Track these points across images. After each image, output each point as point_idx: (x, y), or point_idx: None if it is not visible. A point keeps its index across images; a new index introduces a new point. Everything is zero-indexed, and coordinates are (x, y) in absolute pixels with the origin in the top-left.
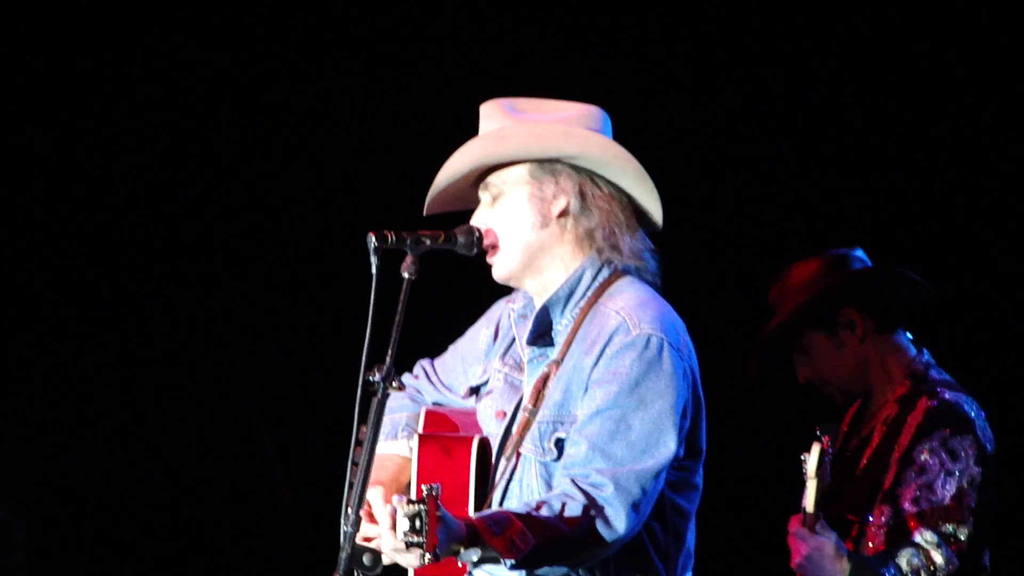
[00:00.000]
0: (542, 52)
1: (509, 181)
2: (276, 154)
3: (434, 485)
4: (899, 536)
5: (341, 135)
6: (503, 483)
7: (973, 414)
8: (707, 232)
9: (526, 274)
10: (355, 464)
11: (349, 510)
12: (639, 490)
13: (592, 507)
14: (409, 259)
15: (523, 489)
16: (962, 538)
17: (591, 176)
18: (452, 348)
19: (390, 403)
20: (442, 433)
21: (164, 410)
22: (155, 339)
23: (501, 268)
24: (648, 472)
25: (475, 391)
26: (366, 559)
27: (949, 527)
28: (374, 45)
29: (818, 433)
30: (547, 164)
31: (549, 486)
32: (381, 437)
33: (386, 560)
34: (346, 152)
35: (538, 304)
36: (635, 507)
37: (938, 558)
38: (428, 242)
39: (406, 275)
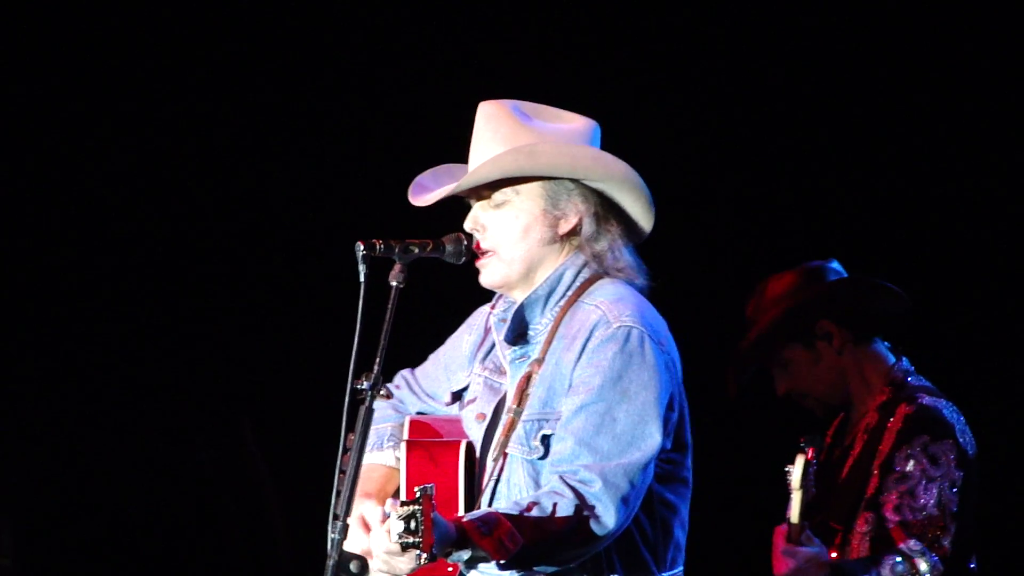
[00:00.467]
0: (527, 57)
1: (522, 192)
2: (264, 163)
3: (428, 485)
4: (883, 544)
5: (329, 144)
6: (491, 484)
7: (952, 418)
8: (690, 240)
9: (518, 284)
10: (343, 472)
11: (336, 517)
12: (627, 484)
13: (581, 504)
14: (397, 267)
15: (511, 489)
16: (946, 545)
17: (601, 197)
18: (433, 357)
19: (375, 413)
20: (428, 439)
21: (153, 417)
22: (144, 348)
23: (494, 275)
24: (635, 465)
25: (457, 397)
26: (353, 566)
27: (933, 533)
28: (361, 54)
29: (802, 445)
30: (563, 181)
31: (537, 484)
32: (366, 448)
33: (373, 568)
34: (334, 161)
35: (517, 303)
36: (624, 501)
37: (922, 565)
38: (416, 250)
39: (394, 283)
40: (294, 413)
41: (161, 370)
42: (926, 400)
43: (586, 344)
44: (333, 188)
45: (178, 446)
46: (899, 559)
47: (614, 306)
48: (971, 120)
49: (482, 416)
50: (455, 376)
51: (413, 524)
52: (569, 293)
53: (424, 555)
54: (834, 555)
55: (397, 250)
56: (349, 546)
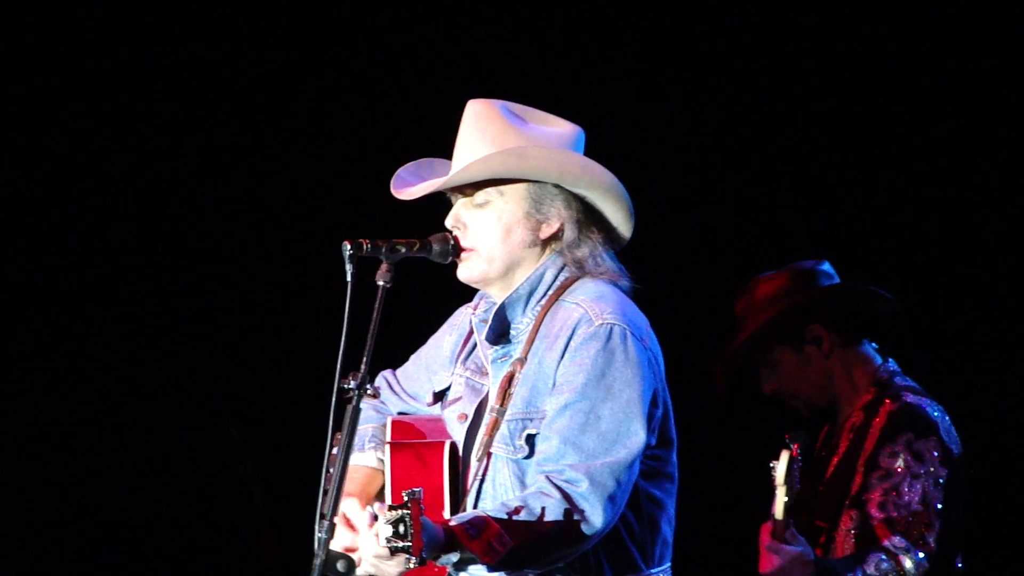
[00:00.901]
0: (512, 56)
1: (506, 193)
2: (251, 163)
3: (416, 489)
4: (868, 542)
5: (316, 144)
6: (476, 484)
7: (937, 416)
8: (675, 238)
9: (496, 282)
10: (329, 471)
11: (323, 516)
12: (614, 483)
13: (569, 504)
14: (384, 267)
15: (496, 488)
16: (931, 542)
17: (583, 203)
18: (414, 357)
19: (362, 406)
20: (412, 441)
21: (141, 416)
22: (132, 347)
23: (473, 271)
24: (621, 463)
25: (439, 397)
26: (340, 565)
27: (917, 530)
28: (347, 52)
29: (787, 441)
30: (547, 185)
31: (523, 484)
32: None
33: (360, 568)
34: (321, 160)
35: (498, 303)
36: (611, 500)
37: (907, 563)
38: (403, 250)
39: (381, 283)
40: (282, 412)
41: (149, 370)
42: (910, 398)
43: (569, 342)
44: (320, 188)
45: (166, 445)
46: (883, 556)
47: (596, 304)
48: (960, 121)
49: (464, 416)
50: (436, 376)
51: (402, 528)
52: (550, 292)
53: (414, 559)
54: (819, 553)
55: (384, 250)
56: (336, 545)
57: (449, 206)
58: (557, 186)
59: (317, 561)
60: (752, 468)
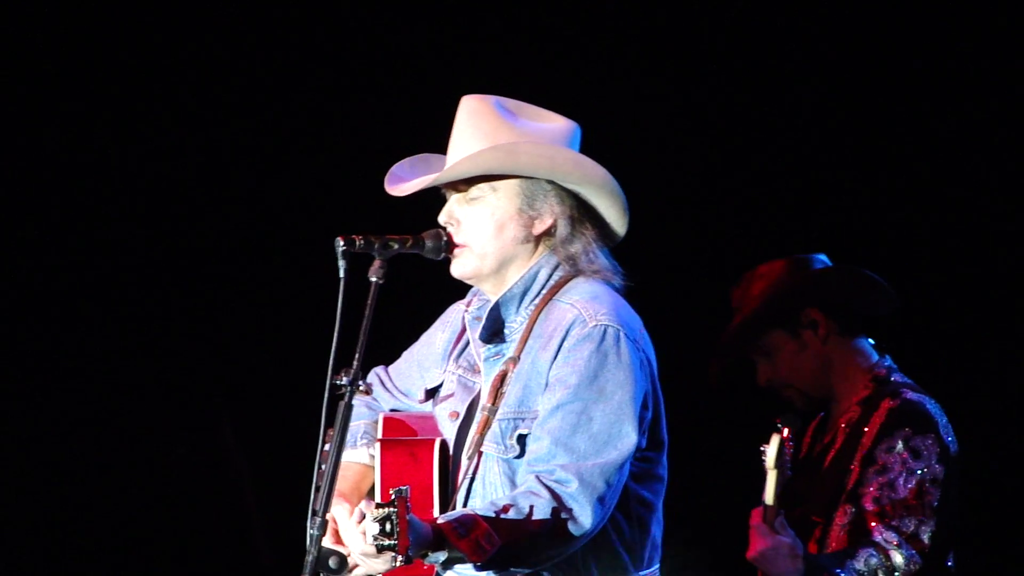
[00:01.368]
0: (507, 51)
1: (499, 189)
2: (243, 159)
3: (402, 487)
4: (859, 535)
5: (309, 140)
6: (466, 483)
7: (936, 414)
8: (667, 237)
9: (489, 278)
10: (322, 467)
11: (315, 513)
12: (603, 484)
13: (557, 504)
14: (377, 263)
15: (486, 487)
16: (924, 539)
17: (577, 199)
18: (406, 354)
19: (354, 402)
20: (403, 437)
21: (133, 413)
22: (124, 344)
23: (466, 266)
24: (612, 465)
25: (431, 394)
26: (332, 562)
27: (911, 526)
28: (341, 48)
29: (778, 424)
30: (540, 181)
31: (513, 483)
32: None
33: (352, 563)
34: (314, 156)
35: (493, 301)
36: (600, 501)
37: (897, 558)
38: (396, 246)
39: (374, 279)
40: (274, 409)
41: (141, 366)
42: (910, 395)
43: (563, 343)
44: (312, 184)
45: (158, 441)
46: (873, 551)
47: (590, 304)
48: (955, 118)
49: (455, 414)
50: (429, 373)
51: (388, 526)
52: (544, 292)
53: (400, 557)
54: (813, 548)
55: (377, 246)
56: (328, 542)
57: (444, 202)
58: (551, 182)
59: (309, 558)
60: (742, 469)
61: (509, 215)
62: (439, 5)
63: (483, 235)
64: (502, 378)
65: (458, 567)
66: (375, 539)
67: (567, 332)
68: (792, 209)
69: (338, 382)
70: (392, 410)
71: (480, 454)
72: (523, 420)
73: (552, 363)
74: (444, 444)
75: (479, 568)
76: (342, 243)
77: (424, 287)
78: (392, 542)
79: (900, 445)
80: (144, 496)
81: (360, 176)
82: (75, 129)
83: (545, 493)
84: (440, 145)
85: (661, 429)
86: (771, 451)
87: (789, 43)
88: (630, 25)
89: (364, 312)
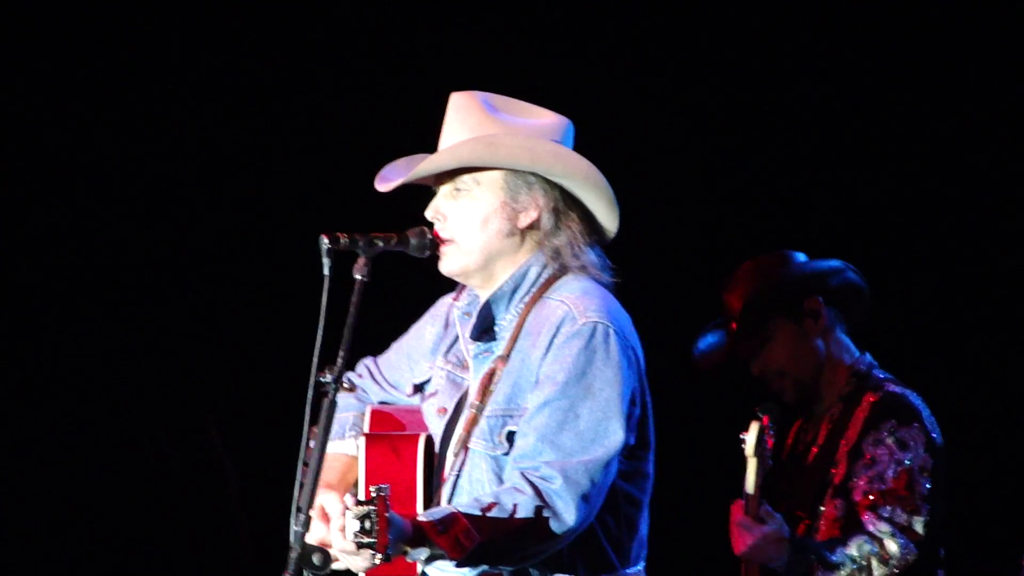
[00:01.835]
0: (501, 48)
1: (483, 183)
2: (227, 157)
3: (383, 486)
4: (851, 527)
5: (295, 137)
6: (452, 479)
7: (919, 406)
8: (658, 229)
9: (477, 274)
10: (305, 464)
11: (299, 510)
12: (588, 482)
13: (541, 501)
14: (361, 261)
15: (472, 484)
16: (918, 529)
17: (563, 192)
18: (395, 346)
19: (338, 400)
20: (388, 432)
21: (117, 411)
22: (108, 342)
23: (453, 264)
24: (597, 462)
25: (419, 389)
26: (316, 559)
27: (903, 515)
28: (328, 47)
29: (757, 413)
30: (524, 174)
31: (500, 479)
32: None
33: (335, 561)
34: (298, 153)
35: (483, 299)
36: (585, 499)
37: (892, 546)
38: (380, 244)
39: (358, 277)
40: (258, 407)
41: (125, 364)
42: (893, 388)
43: (552, 340)
44: (296, 181)
45: (142, 440)
46: (866, 539)
47: (580, 301)
48: (949, 114)
49: (443, 410)
50: (418, 366)
51: (368, 524)
52: (534, 289)
53: (379, 556)
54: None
55: (361, 243)
56: (312, 538)
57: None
58: (536, 175)
59: (293, 555)
60: (726, 466)
61: (493, 208)
62: (434, 2)
63: (468, 229)
64: (491, 376)
65: (439, 564)
66: (355, 536)
67: (557, 329)
68: (779, 207)
69: (322, 380)
70: (381, 402)
71: (467, 450)
72: (512, 417)
73: (542, 360)
74: (430, 440)
75: (458, 565)
76: (326, 241)
77: (409, 285)
78: (371, 540)
79: (886, 437)
80: (128, 494)
81: (346, 174)
82: (61, 123)
83: (529, 490)
84: (431, 145)
85: (649, 426)
86: (750, 439)
87: (782, 35)
88: (620, 21)
89: (349, 310)
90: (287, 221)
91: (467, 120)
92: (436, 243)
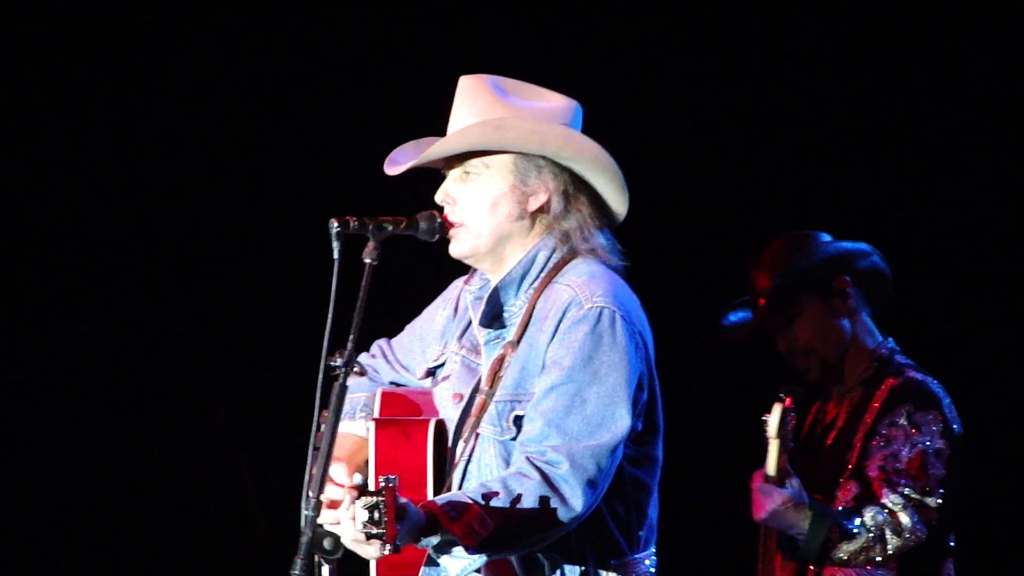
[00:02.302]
0: (510, 31)
1: (492, 166)
2: (236, 141)
3: (391, 476)
4: (866, 501)
5: (302, 121)
6: (462, 464)
7: (940, 393)
8: (668, 213)
9: (487, 257)
10: (316, 449)
11: (310, 494)
12: (595, 466)
13: (547, 485)
14: (371, 244)
15: (482, 469)
16: (931, 505)
17: (572, 175)
18: (409, 328)
19: (349, 383)
20: (398, 417)
21: (128, 399)
22: (117, 329)
23: (463, 247)
24: (604, 447)
25: (431, 373)
26: (327, 543)
27: (914, 492)
28: (336, 32)
29: (780, 395)
30: (533, 157)
31: (508, 464)
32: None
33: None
34: (308, 137)
35: (492, 285)
36: (591, 484)
37: (904, 519)
38: (390, 228)
39: (368, 260)
40: (268, 391)
41: (135, 351)
42: (913, 374)
43: (559, 324)
44: (306, 165)
45: (153, 426)
46: (879, 510)
47: (586, 286)
48: (949, 108)
49: (459, 396)
50: (429, 349)
51: (376, 515)
52: (543, 275)
53: (388, 547)
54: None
55: (371, 227)
56: (323, 521)
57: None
58: (545, 158)
59: (304, 539)
60: (741, 451)
61: (503, 191)
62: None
63: (478, 212)
64: (501, 361)
65: (449, 549)
66: (364, 526)
67: (564, 313)
68: (788, 191)
69: (332, 364)
70: (392, 383)
71: (477, 436)
72: (520, 402)
73: (549, 344)
74: (439, 424)
75: (471, 551)
76: (336, 224)
77: (418, 268)
78: (380, 531)
79: (903, 419)
80: (141, 480)
81: (355, 158)
82: (60, 117)
83: (535, 474)
84: (441, 129)
85: (657, 411)
86: (773, 420)
87: (790, 25)
88: (629, 9)
89: (358, 293)
90: (297, 205)
91: (476, 103)
92: (445, 227)
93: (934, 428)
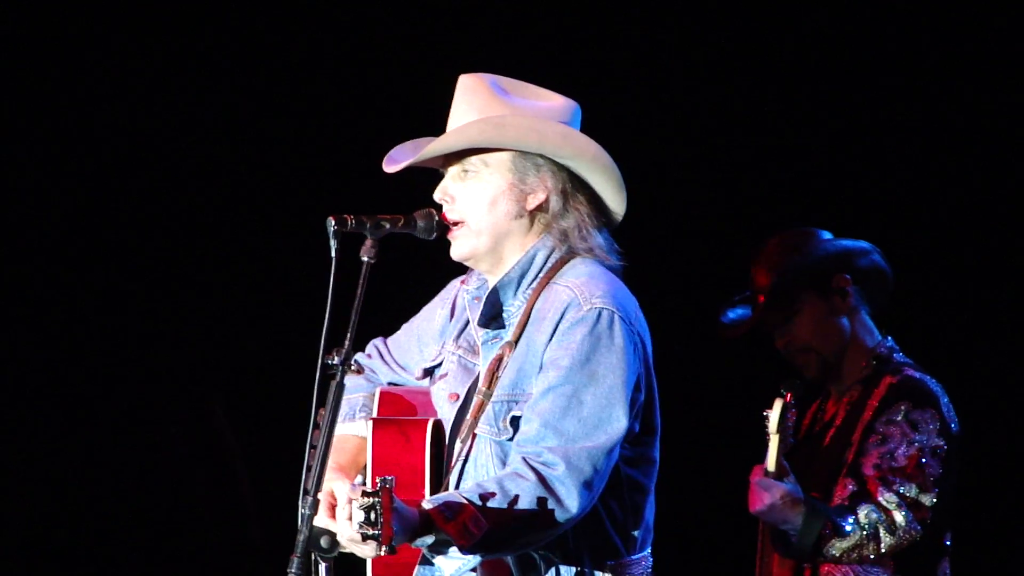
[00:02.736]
0: (509, 30)
1: (491, 164)
2: (233, 138)
3: (388, 477)
4: (862, 498)
5: (300, 120)
6: (459, 465)
7: (937, 392)
8: (665, 214)
9: (486, 257)
10: (313, 447)
11: (307, 493)
12: (591, 468)
13: (543, 487)
14: (368, 243)
15: (478, 469)
16: (926, 504)
17: (571, 175)
18: (406, 327)
19: (347, 384)
20: (396, 416)
21: (124, 396)
22: (114, 327)
23: (462, 247)
24: (600, 449)
25: (429, 372)
26: (323, 541)
27: (911, 490)
28: (333, 28)
29: (781, 390)
30: (532, 156)
31: (505, 466)
32: (339, 419)
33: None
34: (306, 137)
35: (491, 285)
36: (587, 485)
37: (899, 517)
38: (387, 226)
39: (365, 259)
40: (265, 389)
41: (132, 349)
42: (912, 372)
43: (558, 325)
44: (304, 163)
45: (150, 424)
46: (874, 508)
47: (586, 286)
48: (945, 104)
49: (455, 396)
50: (427, 349)
51: (373, 516)
52: (541, 275)
53: (384, 547)
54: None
55: (368, 225)
56: (319, 522)
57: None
58: (544, 157)
59: (300, 537)
60: (733, 453)
61: (501, 190)
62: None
63: (476, 210)
64: (498, 362)
65: (444, 550)
66: (360, 527)
67: (562, 315)
68: (789, 188)
69: (329, 362)
70: (390, 383)
71: (474, 436)
72: (517, 402)
73: (547, 345)
74: (437, 424)
75: (465, 551)
76: (334, 223)
77: (416, 266)
78: (376, 532)
79: (899, 417)
80: (138, 479)
81: (352, 156)
82: (60, 116)
83: (531, 475)
84: (440, 128)
85: (654, 412)
86: (774, 416)
87: (788, 22)
88: (627, 8)
89: (356, 292)
90: (295, 203)
91: (475, 102)
92: (443, 225)
93: (931, 427)
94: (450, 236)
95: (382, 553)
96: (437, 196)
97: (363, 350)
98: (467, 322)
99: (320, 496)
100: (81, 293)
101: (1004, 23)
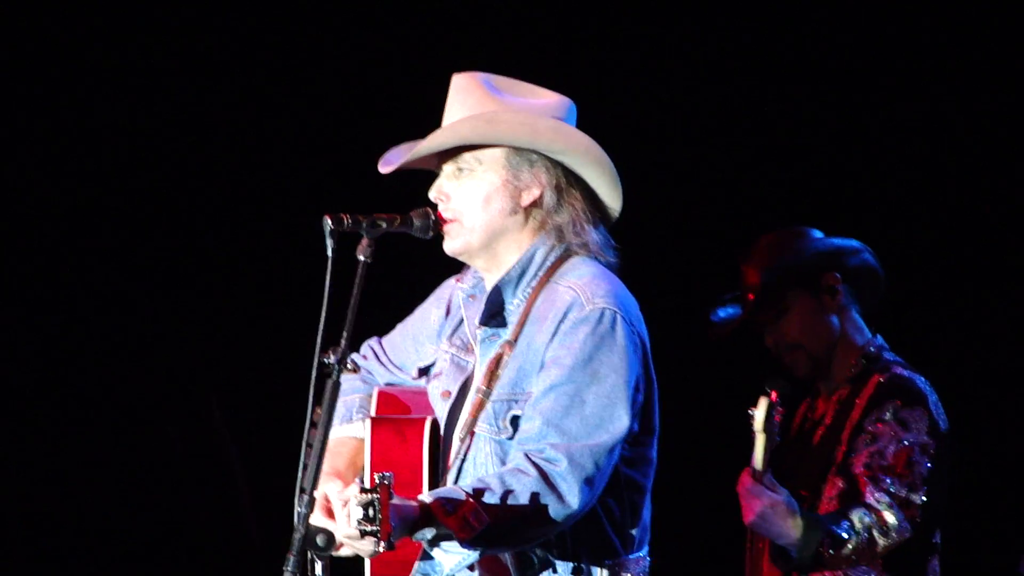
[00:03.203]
0: (503, 28)
1: (485, 161)
2: (229, 137)
3: (387, 474)
4: (851, 499)
5: (297, 118)
6: (457, 463)
7: (926, 390)
8: (661, 212)
9: (481, 254)
10: (309, 445)
11: (303, 491)
12: (593, 465)
13: (545, 482)
14: (364, 242)
15: (477, 468)
16: (915, 502)
17: (565, 170)
18: (400, 327)
19: (343, 385)
20: (394, 416)
21: (121, 393)
22: (111, 324)
23: (456, 243)
24: (602, 447)
25: (425, 372)
26: (320, 540)
27: (901, 489)
28: (328, 28)
29: (767, 388)
30: (526, 152)
31: (504, 465)
32: (336, 421)
33: (339, 542)
34: (302, 135)
35: (488, 284)
36: (588, 482)
37: (890, 518)
38: (384, 225)
39: (361, 258)
40: (262, 388)
41: (128, 346)
42: (900, 371)
43: (560, 325)
44: (300, 163)
45: (146, 421)
46: (865, 511)
47: (588, 287)
48: (939, 103)
49: (447, 394)
50: (423, 348)
51: (371, 512)
52: (540, 274)
53: (382, 543)
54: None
55: (365, 225)
56: (316, 520)
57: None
58: (537, 153)
59: (297, 535)
60: (731, 452)
61: (495, 186)
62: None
63: (471, 208)
64: (498, 360)
65: (444, 544)
66: (359, 523)
67: (565, 315)
68: (780, 187)
69: (326, 361)
70: (387, 384)
71: (472, 435)
72: (517, 401)
73: (548, 344)
74: (435, 423)
75: (465, 545)
76: (330, 222)
77: (412, 266)
78: (375, 528)
79: (889, 416)
80: (134, 476)
81: (348, 155)
82: (60, 116)
83: (533, 471)
84: (436, 128)
85: (653, 412)
86: (759, 414)
87: (784, 22)
88: (625, 7)
89: (352, 291)
90: (291, 203)
91: (468, 100)
92: (439, 223)
93: (920, 425)
94: (443, 231)
95: (381, 549)
96: (432, 195)
97: (358, 350)
98: (461, 320)
99: (316, 495)
100: (78, 292)
101: (1002, 23)
